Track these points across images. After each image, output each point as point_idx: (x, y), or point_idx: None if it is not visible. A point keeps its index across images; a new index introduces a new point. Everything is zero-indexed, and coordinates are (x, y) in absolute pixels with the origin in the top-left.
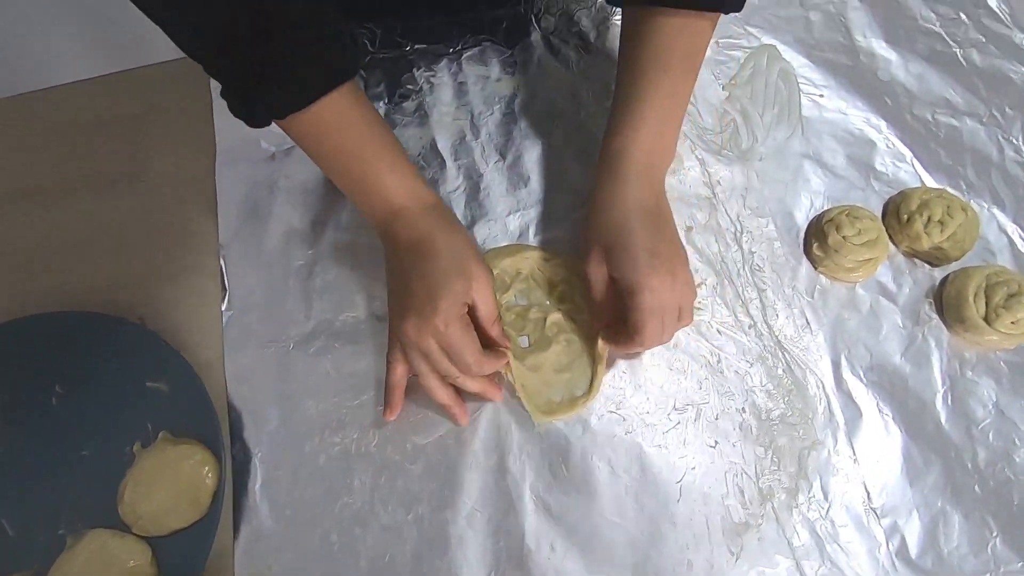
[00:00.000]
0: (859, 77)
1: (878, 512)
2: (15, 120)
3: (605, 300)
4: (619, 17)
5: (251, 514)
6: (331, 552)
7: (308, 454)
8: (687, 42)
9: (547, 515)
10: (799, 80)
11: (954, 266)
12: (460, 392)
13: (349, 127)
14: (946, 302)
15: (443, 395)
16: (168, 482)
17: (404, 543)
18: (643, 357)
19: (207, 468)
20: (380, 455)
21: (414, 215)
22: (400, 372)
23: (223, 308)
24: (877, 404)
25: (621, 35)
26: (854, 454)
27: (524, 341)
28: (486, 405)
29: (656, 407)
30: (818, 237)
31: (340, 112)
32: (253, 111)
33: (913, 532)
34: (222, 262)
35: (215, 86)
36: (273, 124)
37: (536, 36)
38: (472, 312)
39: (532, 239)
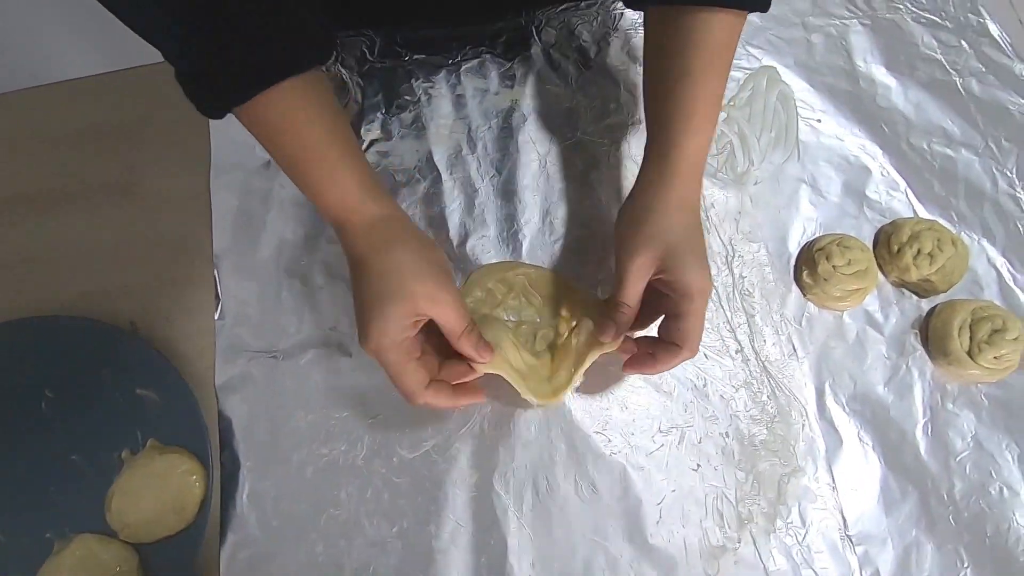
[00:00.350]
0: (858, 103)
1: (853, 540)
2: (9, 124)
3: (635, 307)
4: (619, 34)
5: (238, 524)
6: (316, 563)
7: (296, 465)
8: (723, 39)
9: (530, 533)
10: (798, 103)
11: (941, 298)
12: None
13: (292, 128)
14: (931, 334)
15: (433, 400)
16: (155, 491)
17: (388, 556)
18: (631, 379)
19: (195, 477)
20: (367, 468)
21: (355, 231)
22: (418, 386)
23: (216, 318)
24: (858, 433)
25: (647, 36)
26: (833, 482)
27: None
28: (473, 421)
29: (641, 429)
30: (808, 265)
31: (283, 112)
32: (203, 97)
33: (887, 561)
34: (216, 272)
35: None
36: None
37: (536, 49)
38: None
39: (525, 255)
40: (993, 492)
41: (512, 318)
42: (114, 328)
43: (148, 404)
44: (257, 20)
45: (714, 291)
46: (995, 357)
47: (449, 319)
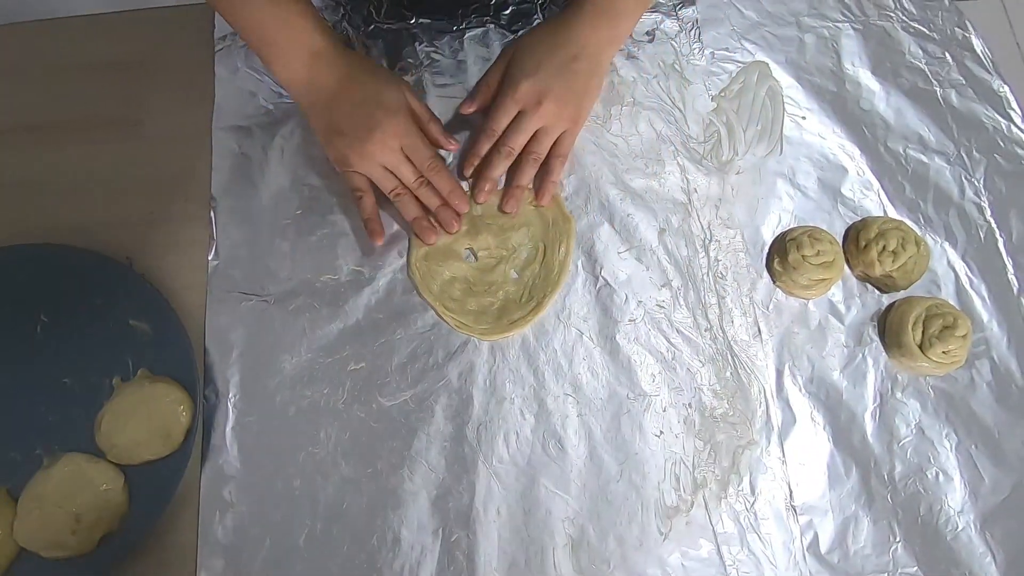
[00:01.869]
0: (842, 104)
1: (797, 509)
2: (16, 53)
3: (487, 95)
4: None
5: (219, 453)
6: (292, 496)
7: (279, 404)
8: None
9: (497, 482)
10: (785, 100)
11: (901, 294)
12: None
13: None
14: (888, 327)
15: (414, 208)
16: (144, 417)
17: (361, 495)
18: (606, 348)
19: (182, 407)
20: (347, 412)
21: (335, 53)
22: (370, 202)
23: (209, 258)
24: (811, 413)
25: None
26: (783, 456)
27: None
28: (450, 376)
29: (611, 394)
30: (780, 253)
31: None
32: None
33: (826, 530)
34: (212, 213)
35: (218, 35)
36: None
37: (539, 23)
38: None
39: None
40: (930, 476)
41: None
42: (111, 260)
43: (140, 335)
44: None
45: (690, 271)
46: (944, 352)
47: (421, 106)
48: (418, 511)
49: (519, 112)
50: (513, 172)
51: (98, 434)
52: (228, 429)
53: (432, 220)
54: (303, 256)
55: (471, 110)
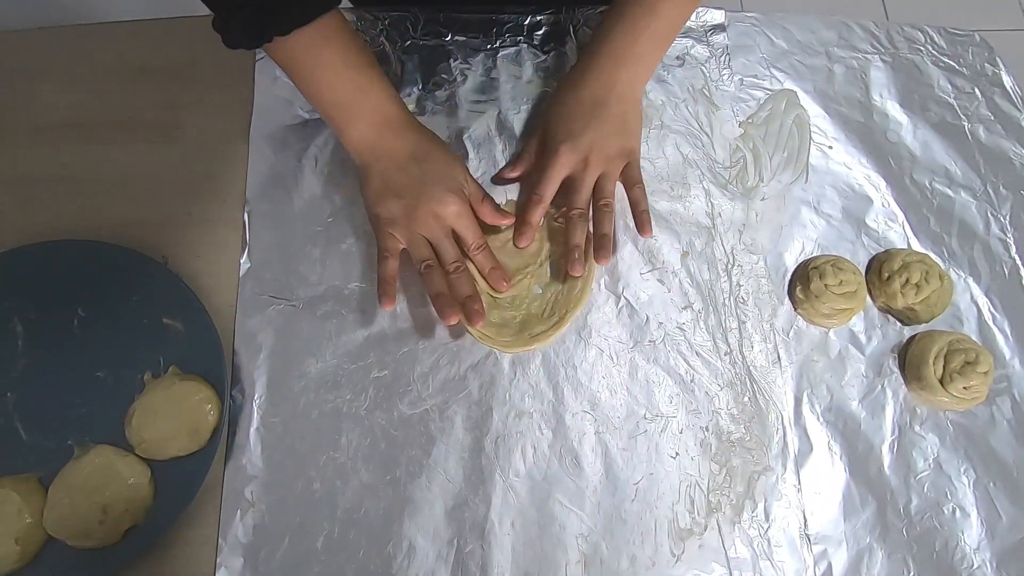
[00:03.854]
0: (869, 135)
1: (811, 539)
2: (63, 55)
3: (528, 163)
4: None
5: (243, 453)
6: (312, 498)
7: (303, 407)
8: None
9: (513, 495)
10: (812, 129)
11: (923, 327)
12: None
13: (345, 39)
14: (909, 360)
15: (440, 284)
16: (173, 413)
17: (379, 500)
18: (625, 367)
19: (210, 406)
20: (368, 418)
21: (404, 121)
22: (393, 266)
23: (242, 260)
24: (828, 442)
25: None
26: (799, 484)
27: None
28: (471, 387)
29: (628, 413)
30: (802, 281)
31: (338, 26)
32: (257, 27)
33: (840, 561)
34: (246, 217)
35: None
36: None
37: (571, 46)
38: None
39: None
40: (946, 511)
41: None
42: (148, 259)
43: (173, 333)
44: None
45: (712, 295)
46: (964, 387)
47: (475, 185)
48: (434, 520)
49: (569, 175)
50: (594, 226)
51: (128, 428)
52: (252, 429)
53: (453, 302)
54: (332, 263)
55: (515, 175)
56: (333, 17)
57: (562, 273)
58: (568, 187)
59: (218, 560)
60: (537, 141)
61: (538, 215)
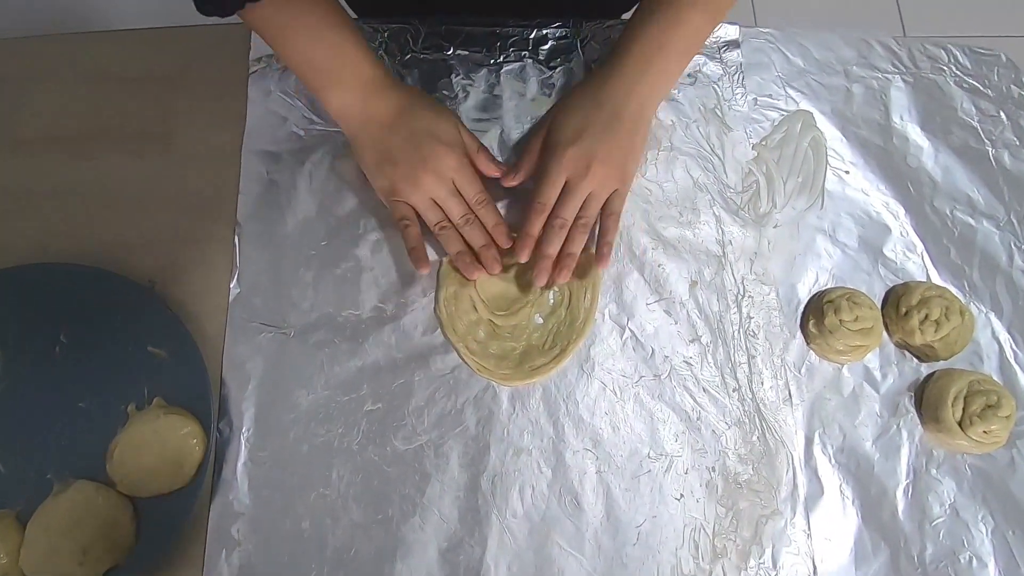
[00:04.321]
0: (888, 159)
1: None
2: (52, 65)
3: (530, 166)
4: None
5: (229, 489)
6: (301, 537)
7: (292, 441)
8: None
9: (510, 537)
10: (828, 152)
11: (941, 364)
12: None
13: (321, 2)
14: (926, 399)
15: (458, 243)
16: (156, 448)
17: (370, 541)
18: (629, 403)
19: (195, 441)
20: (360, 454)
21: (389, 83)
22: (416, 231)
23: (231, 284)
24: (840, 485)
25: None
26: (808, 529)
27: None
28: (468, 422)
29: (631, 452)
30: (816, 315)
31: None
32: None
33: None
34: (236, 238)
35: (254, 56)
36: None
37: (578, 62)
38: None
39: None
40: (963, 560)
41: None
42: (134, 284)
43: (158, 362)
44: None
45: (720, 327)
46: (984, 431)
47: (471, 137)
48: (427, 562)
49: (567, 180)
50: (565, 241)
51: (109, 463)
52: (240, 464)
53: (474, 257)
54: (326, 289)
55: (516, 183)
56: None
57: (565, 303)
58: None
59: None
60: (539, 142)
61: (539, 224)
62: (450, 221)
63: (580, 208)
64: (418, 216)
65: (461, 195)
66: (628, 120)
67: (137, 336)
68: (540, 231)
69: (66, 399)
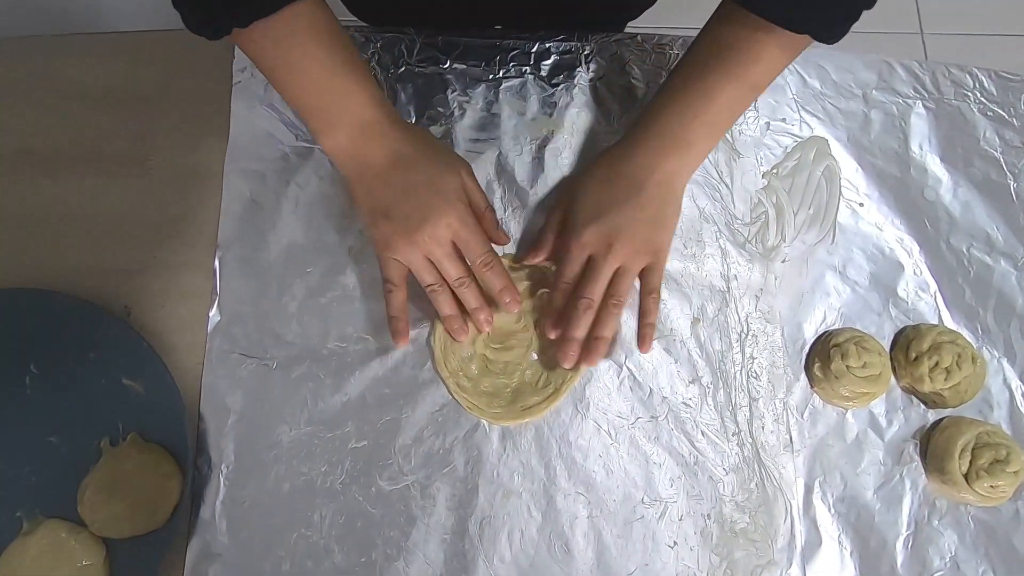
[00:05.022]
0: (905, 192)
1: None
2: (21, 73)
3: (551, 242)
4: None
5: (207, 529)
6: None
7: (273, 480)
8: (749, 51)
9: None
10: (843, 183)
11: (949, 410)
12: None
13: (320, 34)
14: (932, 449)
15: (449, 305)
16: (131, 489)
17: None
18: (624, 445)
19: (171, 481)
20: (344, 494)
21: (385, 126)
22: (401, 298)
23: (211, 313)
24: (839, 536)
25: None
26: None
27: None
28: (457, 463)
29: (625, 497)
30: (822, 358)
31: (312, 17)
32: (216, 15)
33: None
34: (217, 264)
35: (238, 66)
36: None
37: (582, 78)
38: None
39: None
40: None
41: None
42: (108, 314)
43: (133, 395)
44: None
45: (722, 367)
46: (991, 486)
47: (478, 192)
48: None
49: (590, 257)
50: (595, 322)
51: (81, 505)
52: (218, 503)
53: (463, 321)
54: (310, 319)
55: (537, 261)
56: (304, 5)
57: (553, 362)
58: (583, 272)
59: None
60: (559, 217)
61: (583, 322)
62: (444, 282)
63: (609, 287)
64: (409, 278)
65: (459, 255)
66: (653, 191)
67: (111, 367)
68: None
69: (36, 433)
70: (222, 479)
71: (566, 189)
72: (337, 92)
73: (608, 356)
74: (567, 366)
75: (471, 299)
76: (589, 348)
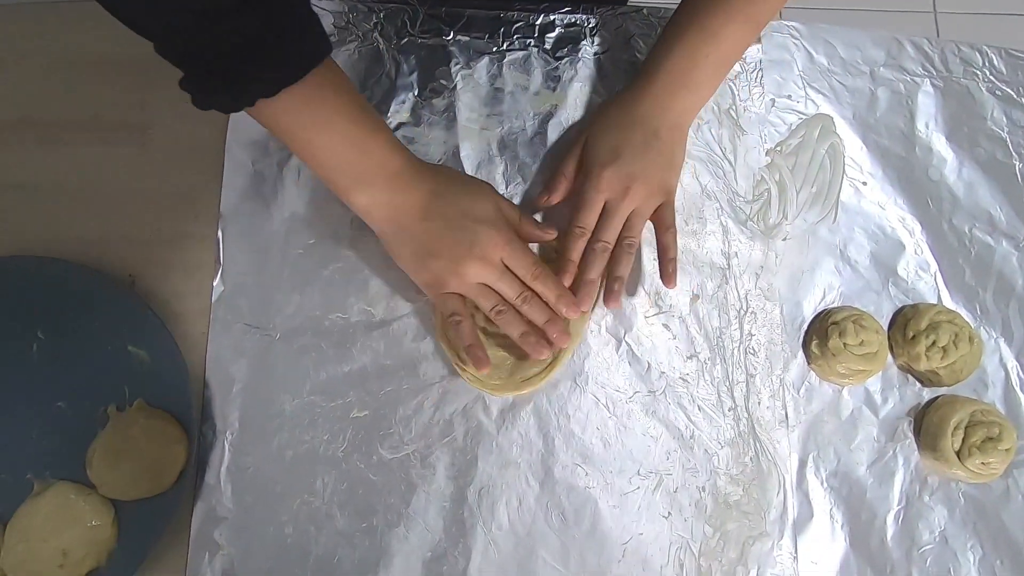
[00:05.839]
0: (909, 171)
1: None
2: (22, 41)
3: (566, 186)
4: None
5: (212, 493)
6: (284, 544)
7: (276, 447)
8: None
9: (495, 550)
10: (846, 161)
11: (944, 389)
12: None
13: (343, 91)
14: (925, 427)
15: (519, 324)
16: (137, 453)
17: (354, 550)
18: (622, 418)
19: (177, 445)
20: (346, 461)
21: (414, 172)
22: (469, 326)
23: (215, 283)
24: (831, 509)
25: None
26: (795, 552)
27: None
28: (456, 432)
29: (621, 468)
30: (819, 335)
31: (333, 76)
32: (236, 93)
33: None
34: (220, 234)
35: None
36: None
37: (586, 51)
38: None
39: None
40: None
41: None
42: (113, 281)
43: (139, 362)
44: (287, 6)
45: (720, 344)
46: (983, 463)
47: (511, 207)
48: (410, 573)
49: (605, 202)
50: (610, 264)
51: (89, 467)
52: (223, 469)
53: (539, 335)
54: (312, 291)
55: (552, 203)
56: (326, 64)
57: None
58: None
59: None
60: (574, 162)
61: (579, 249)
62: (506, 302)
63: (624, 229)
64: (470, 302)
65: (512, 273)
66: (665, 135)
67: (117, 335)
68: (581, 256)
69: (45, 398)
70: (227, 445)
71: (578, 138)
72: (363, 145)
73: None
74: (585, 308)
75: (538, 314)
76: (609, 288)
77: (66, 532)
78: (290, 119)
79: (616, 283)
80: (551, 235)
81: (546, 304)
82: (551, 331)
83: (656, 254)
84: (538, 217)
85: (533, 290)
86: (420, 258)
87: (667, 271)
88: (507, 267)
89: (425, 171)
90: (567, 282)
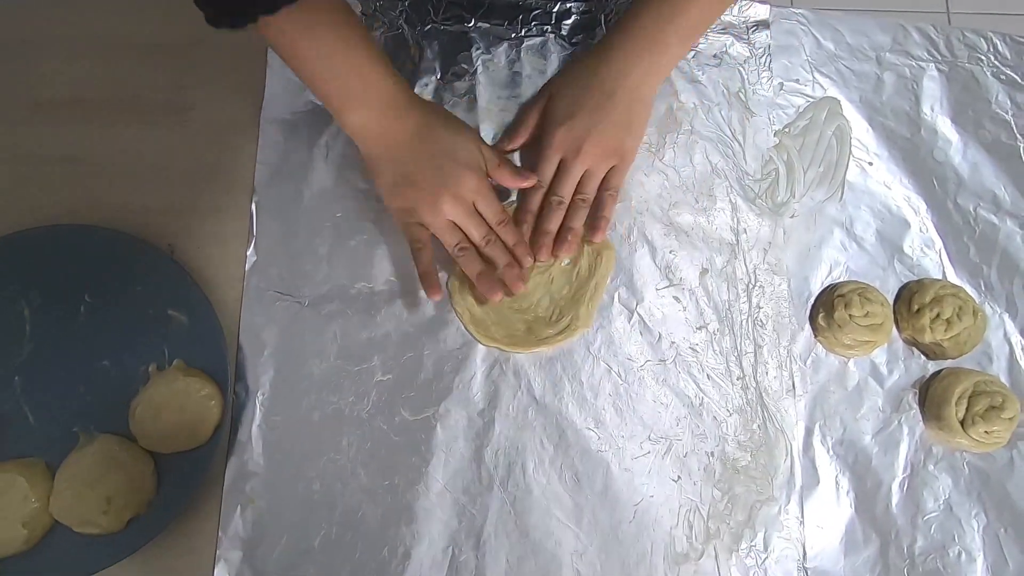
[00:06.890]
0: (914, 152)
1: (809, 572)
2: (70, 28)
3: (526, 134)
4: None
5: (244, 449)
6: (311, 499)
7: (305, 407)
8: None
9: (511, 507)
10: (853, 142)
11: (948, 362)
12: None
13: (341, 18)
14: (930, 397)
15: (477, 264)
16: (176, 408)
17: (377, 506)
18: (633, 385)
19: (213, 402)
20: (370, 422)
21: (407, 101)
22: (429, 255)
23: (248, 253)
24: (836, 476)
25: None
26: (802, 516)
27: None
28: (476, 398)
29: (632, 434)
30: (826, 308)
31: (337, 5)
32: (242, 7)
33: None
34: (253, 207)
35: None
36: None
37: (600, 38)
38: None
39: None
40: (951, 554)
41: None
42: (155, 248)
43: (177, 325)
44: None
45: (729, 315)
46: (986, 431)
47: (490, 152)
48: (430, 528)
49: (561, 160)
50: (565, 216)
51: (132, 421)
52: (255, 427)
53: (494, 277)
54: (339, 261)
55: (510, 148)
56: None
57: (574, 280)
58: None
59: (218, 553)
60: (537, 113)
61: (537, 201)
62: (470, 242)
63: (578, 185)
64: (432, 239)
65: (480, 216)
66: (622, 98)
67: (157, 299)
68: (538, 207)
69: (90, 357)
70: (258, 405)
71: (543, 90)
72: (360, 70)
73: (574, 250)
74: (542, 258)
75: (500, 255)
76: (560, 238)
77: (110, 480)
78: (292, 38)
79: (569, 233)
80: (531, 180)
81: (507, 250)
82: (508, 275)
83: (658, 229)
84: None
85: (497, 235)
86: (399, 185)
87: (596, 225)
88: (477, 211)
89: (418, 103)
90: (524, 231)
